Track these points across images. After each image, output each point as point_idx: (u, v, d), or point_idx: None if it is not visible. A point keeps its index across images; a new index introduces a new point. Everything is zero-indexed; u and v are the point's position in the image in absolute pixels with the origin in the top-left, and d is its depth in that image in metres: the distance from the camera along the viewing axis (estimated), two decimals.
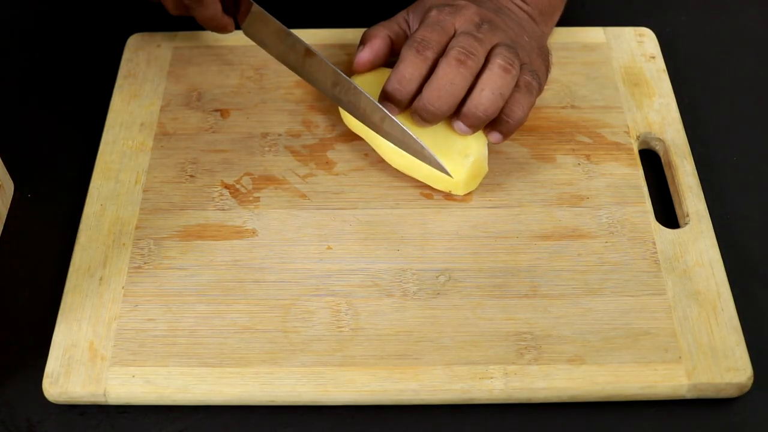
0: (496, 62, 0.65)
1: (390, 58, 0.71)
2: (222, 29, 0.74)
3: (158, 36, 0.80)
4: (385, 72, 0.71)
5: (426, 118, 0.66)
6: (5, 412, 0.61)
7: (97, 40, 0.82)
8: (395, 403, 0.61)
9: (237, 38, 0.79)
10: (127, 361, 0.61)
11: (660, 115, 0.74)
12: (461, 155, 0.67)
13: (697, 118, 0.76)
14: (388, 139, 0.67)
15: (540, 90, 0.69)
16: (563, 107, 0.75)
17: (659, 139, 0.73)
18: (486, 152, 0.68)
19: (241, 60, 0.78)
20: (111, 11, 0.84)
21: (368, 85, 0.70)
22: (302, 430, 0.60)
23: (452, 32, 0.67)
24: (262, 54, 0.78)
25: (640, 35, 0.79)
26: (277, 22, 0.71)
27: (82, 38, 0.82)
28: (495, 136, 0.67)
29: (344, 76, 0.68)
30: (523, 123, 0.67)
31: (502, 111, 0.66)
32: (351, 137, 0.73)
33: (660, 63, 0.78)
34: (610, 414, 0.61)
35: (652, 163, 0.73)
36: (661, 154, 0.73)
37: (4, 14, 0.85)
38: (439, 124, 0.67)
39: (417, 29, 0.68)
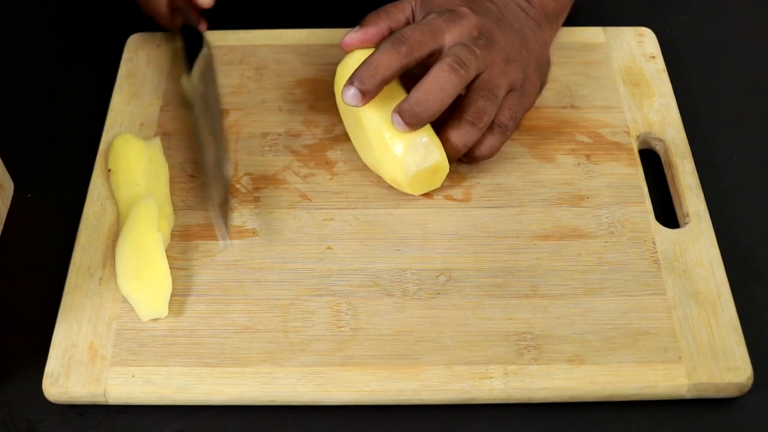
0: (467, 115, 0.66)
1: None
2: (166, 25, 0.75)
3: (158, 36, 0.80)
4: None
5: (409, 121, 0.65)
6: (5, 412, 0.61)
7: (97, 40, 0.82)
8: (395, 403, 0.61)
9: (237, 38, 0.80)
10: (127, 361, 0.61)
11: (660, 115, 0.74)
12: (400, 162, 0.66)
13: (697, 118, 0.76)
14: None
15: (515, 128, 0.69)
16: (563, 107, 0.75)
17: (659, 139, 0.73)
18: (435, 155, 0.67)
19: (241, 60, 0.78)
20: (111, 11, 0.84)
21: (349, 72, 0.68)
22: (302, 430, 0.60)
23: (442, 40, 0.66)
24: (262, 54, 0.78)
25: (640, 35, 0.79)
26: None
27: (82, 38, 0.82)
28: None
29: None
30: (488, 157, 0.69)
31: (471, 148, 0.67)
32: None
33: (660, 63, 0.78)
34: (610, 414, 0.61)
35: (652, 163, 0.73)
36: (661, 154, 0.73)
37: (4, 14, 0.85)
38: (375, 137, 0.67)
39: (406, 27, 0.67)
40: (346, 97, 0.65)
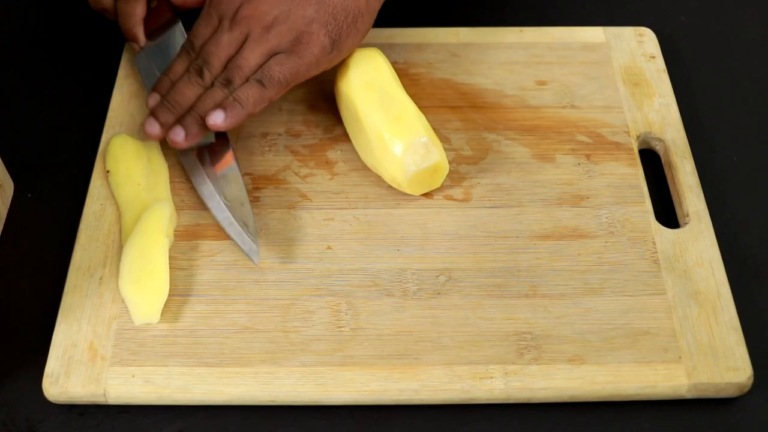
0: (218, 79, 0.68)
1: None
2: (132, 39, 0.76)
3: None
4: None
5: (163, 119, 0.68)
6: (5, 412, 0.61)
7: (98, 39, 0.82)
8: (395, 403, 0.61)
9: None
10: (126, 360, 0.61)
11: (660, 115, 0.74)
12: (401, 164, 0.67)
13: (697, 118, 0.76)
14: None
15: (279, 84, 0.68)
16: (563, 107, 0.75)
17: (659, 139, 0.73)
18: (434, 155, 0.67)
19: None
20: None
21: None
22: (302, 430, 0.60)
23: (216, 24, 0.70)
24: None
25: (640, 35, 0.79)
26: None
27: (82, 38, 0.82)
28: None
29: None
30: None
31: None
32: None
33: (660, 63, 0.78)
34: (610, 414, 0.61)
35: (652, 163, 0.73)
36: (661, 154, 0.73)
37: (4, 14, 0.85)
38: (375, 137, 0.67)
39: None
40: (147, 127, 0.68)
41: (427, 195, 0.69)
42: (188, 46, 0.70)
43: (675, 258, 0.66)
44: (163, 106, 0.68)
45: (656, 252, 0.66)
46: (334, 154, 0.72)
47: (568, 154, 0.72)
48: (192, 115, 0.67)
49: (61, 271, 0.66)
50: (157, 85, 0.69)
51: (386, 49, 0.74)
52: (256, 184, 0.70)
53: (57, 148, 0.75)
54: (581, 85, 0.76)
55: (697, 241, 0.67)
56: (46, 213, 0.71)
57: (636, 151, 0.72)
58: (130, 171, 0.69)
